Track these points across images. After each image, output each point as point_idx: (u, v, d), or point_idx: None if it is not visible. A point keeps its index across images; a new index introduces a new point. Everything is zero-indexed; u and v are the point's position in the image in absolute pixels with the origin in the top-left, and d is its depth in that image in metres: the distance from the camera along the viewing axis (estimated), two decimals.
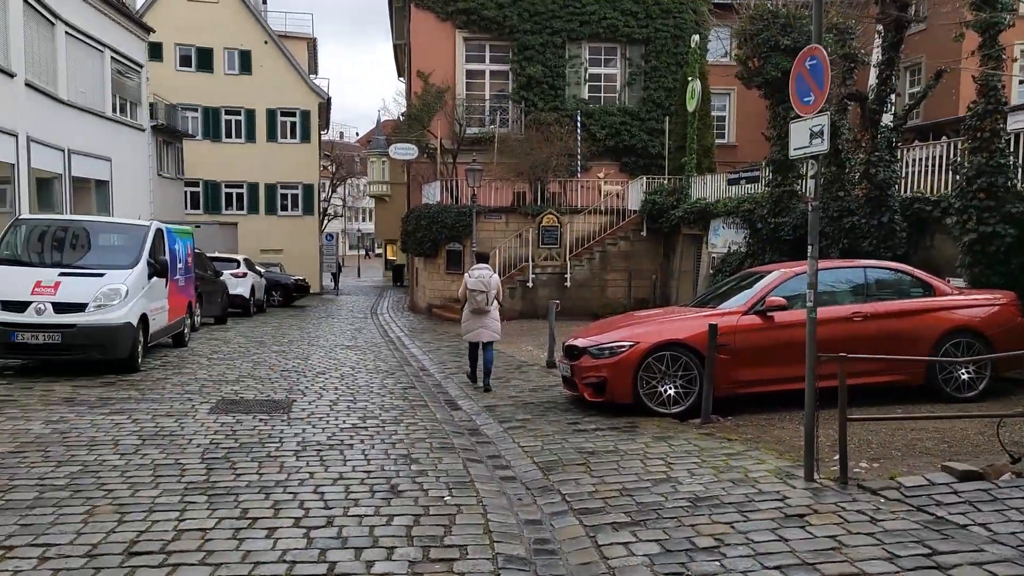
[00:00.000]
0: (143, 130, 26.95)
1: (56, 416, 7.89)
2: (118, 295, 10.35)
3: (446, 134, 25.31)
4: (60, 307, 9.96)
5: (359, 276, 56.57)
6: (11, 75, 17.24)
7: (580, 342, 8.89)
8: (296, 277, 28.77)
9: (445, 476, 6.22)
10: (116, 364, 10.55)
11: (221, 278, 19.43)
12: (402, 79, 38.17)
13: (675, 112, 23.78)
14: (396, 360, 13.45)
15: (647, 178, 22.62)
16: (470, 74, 27.02)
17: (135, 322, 10.54)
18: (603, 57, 27.51)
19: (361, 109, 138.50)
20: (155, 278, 11.46)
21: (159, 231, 12.10)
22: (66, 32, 20.78)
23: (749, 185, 17.04)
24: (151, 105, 28.53)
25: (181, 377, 10.59)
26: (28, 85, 18.18)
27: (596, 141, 26.20)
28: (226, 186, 36.71)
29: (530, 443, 7.34)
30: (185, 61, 35.91)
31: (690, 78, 20.55)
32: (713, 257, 17.50)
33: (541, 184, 23.24)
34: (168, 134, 30.97)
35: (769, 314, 8.49)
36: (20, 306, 9.86)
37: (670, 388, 8.32)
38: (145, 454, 6.59)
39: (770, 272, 9.34)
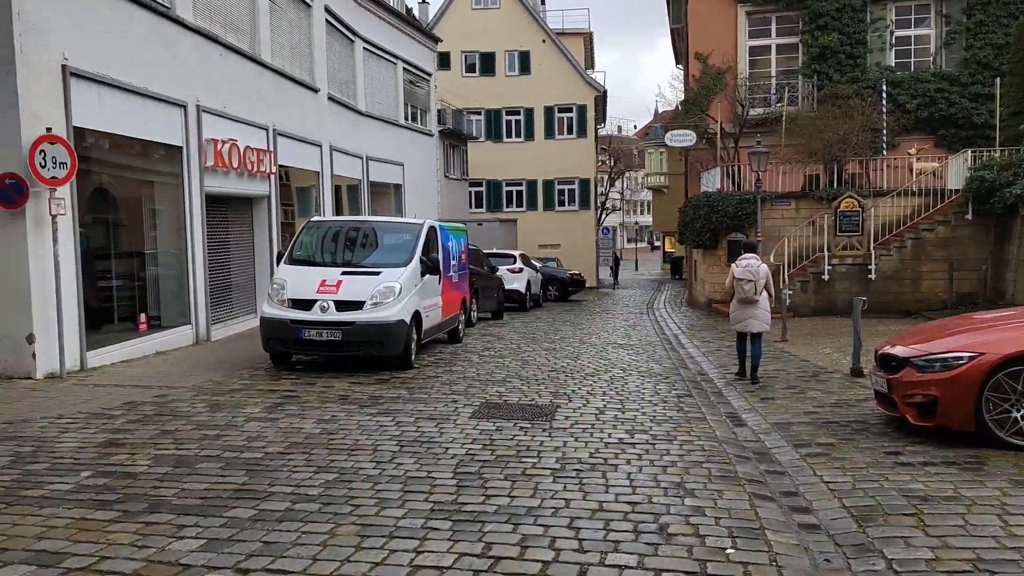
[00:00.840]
0: (431, 135, 28.51)
1: (328, 415, 7.94)
2: (392, 293, 10.45)
3: (727, 118, 23.55)
4: (341, 305, 10.26)
5: (636, 269, 55.92)
6: (315, 90, 18.77)
7: (900, 351, 7.16)
8: (572, 272, 28.68)
9: (727, 517, 5.06)
10: (392, 360, 10.68)
11: (497, 274, 19.63)
12: (680, 66, 36.69)
13: (1008, 72, 19.82)
14: (671, 361, 12.36)
15: (972, 152, 19.09)
16: (753, 51, 24.91)
17: (408, 319, 10.60)
18: (913, 17, 23.92)
19: (639, 102, 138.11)
20: (428, 275, 11.49)
21: (432, 229, 12.17)
22: (364, 48, 22.37)
23: None
24: (439, 111, 30.15)
25: (450, 375, 10.45)
26: (330, 99, 19.74)
27: (905, 113, 22.75)
28: (506, 184, 37.94)
29: (837, 478, 5.91)
30: (470, 67, 37.64)
31: None
32: None
33: (838, 165, 20.63)
34: (453, 137, 32.57)
35: None
36: (307, 304, 10.30)
37: None
38: (400, 464, 6.23)
39: None
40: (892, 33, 23.81)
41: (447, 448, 6.72)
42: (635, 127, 78.31)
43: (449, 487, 5.64)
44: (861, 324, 10.85)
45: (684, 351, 13.79)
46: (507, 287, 20.64)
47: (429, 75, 28.04)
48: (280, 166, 16.82)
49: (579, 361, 12.12)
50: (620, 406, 8.62)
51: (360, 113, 21.88)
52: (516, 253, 23.21)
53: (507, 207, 37.75)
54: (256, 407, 8.28)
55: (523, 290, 21.91)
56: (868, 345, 10.26)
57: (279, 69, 16.69)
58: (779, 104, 23.86)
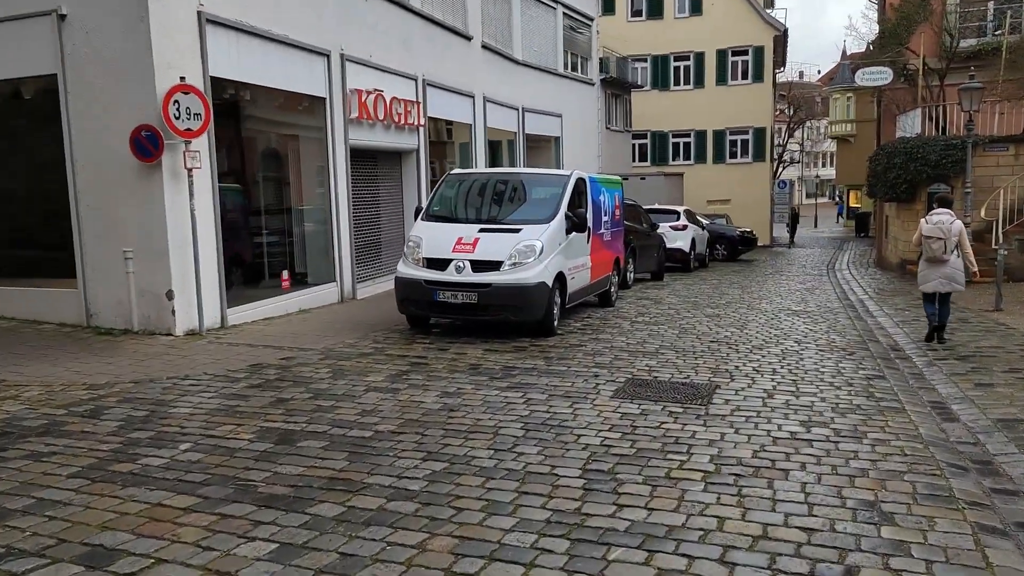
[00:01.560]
0: (592, 84, 27.11)
1: (453, 388, 7.15)
2: (532, 252, 9.48)
3: (930, 51, 20.49)
4: (477, 265, 9.43)
5: (816, 226, 51.85)
6: (468, 38, 17.99)
7: None
8: (742, 229, 26.53)
9: (942, 560, 3.74)
10: (532, 326, 9.78)
11: (658, 231, 18.17)
12: (873, 0, 32.91)
13: None
14: (857, 333, 10.64)
15: None
16: None
17: (550, 282, 9.60)
18: None
19: (823, 47, 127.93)
20: (575, 233, 10.42)
21: (580, 181, 11.02)
22: None
23: None
24: (601, 59, 28.62)
25: (596, 344, 9.39)
26: (484, 47, 18.91)
27: None
28: (673, 136, 35.80)
29: None
30: (636, 11, 35.59)
31: None
32: None
33: None
34: (616, 87, 30.94)
35: None
36: (442, 264, 9.56)
37: None
38: (521, 454, 5.30)
39: None
40: None
41: (579, 436, 5.71)
42: (819, 72, 72.28)
43: (574, 490, 4.65)
44: None
45: (872, 320, 11.94)
46: (669, 246, 19.13)
47: (591, 20, 26.56)
48: (430, 118, 16.24)
49: (746, 330, 10.68)
50: (793, 388, 7.24)
51: (516, 62, 20.92)
52: (680, 209, 21.50)
53: (673, 160, 35.66)
54: (380, 375, 7.64)
55: (687, 249, 20.29)
56: None
57: (429, 16, 16.00)
58: (998, 32, 20.42)
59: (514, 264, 9.42)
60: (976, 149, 16.47)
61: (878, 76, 21.48)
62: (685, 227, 20.47)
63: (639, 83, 34.37)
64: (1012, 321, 11.10)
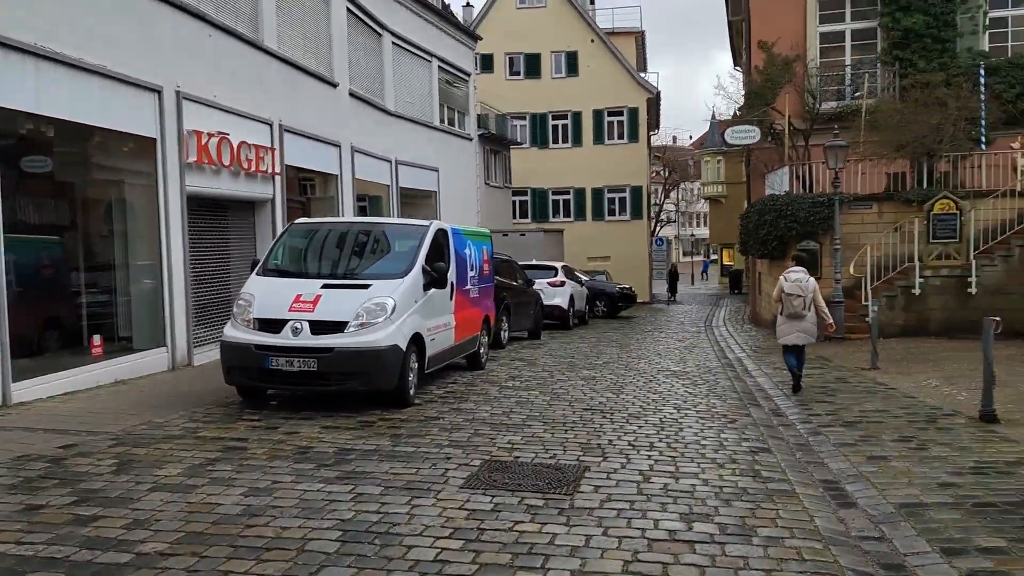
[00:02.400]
0: (470, 139, 26.49)
1: (266, 482, 5.79)
2: (383, 311, 8.29)
3: (795, 112, 20.91)
4: (317, 326, 8.14)
5: (693, 283, 53.00)
6: (333, 85, 16.90)
7: None
8: (622, 286, 26.24)
9: None
10: (386, 396, 8.52)
11: (534, 287, 17.36)
12: (738, 68, 34.14)
13: None
14: (737, 396, 9.96)
15: None
16: (825, 38, 22.22)
17: (404, 344, 8.41)
18: None
19: (694, 115, 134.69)
20: (433, 289, 9.31)
21: (441, 232, 9.98)
22: (393, 43, 20.50)
23: None
24: (480, 115, 28.11)
25: (456, 416, 8.23)
26: (352, 95, 17.85)
27: (1004, 104, 19.80)
28: (553, 193, 35.74)
29: None
30: (514, 70, 35.64)
31: None
32: None
33: (929, 160, 17.87)
34: (495, 143, 30.56)
35: None
36: (276, 325, 8.22)
37: None
38: None
39: None
40: (986, 14, 20.88)
41: (409, 548, 4.49)
42: (690, 137, 75.36)
43: None
44: (992, 353, 8.26)
45: (752, 380, 11.36)
46: (547, 302, 18.35)
47: (468, 75, 26.04)
48: (290, 167, 14.94)
49: (622, 395, 9.80)
50: (672, 468, 6.30)
51: (388, 113, 19.95)
52: (558, 265, 20.87)
53: (554, 217, 35.47)
54: (179, 466, 6.17)
55: (565, 306, 19.57)
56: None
57: (287, 58, 14.81)
58: (857, 95, 21.13)
59: (361, 325, 8.17)
60: (842, 206, 16.62)
61: (746, 135, 21.77)
62: (563, 283, 19.79)
63: (518, 140, 34.20)
64: (891, 380, 10.73)
